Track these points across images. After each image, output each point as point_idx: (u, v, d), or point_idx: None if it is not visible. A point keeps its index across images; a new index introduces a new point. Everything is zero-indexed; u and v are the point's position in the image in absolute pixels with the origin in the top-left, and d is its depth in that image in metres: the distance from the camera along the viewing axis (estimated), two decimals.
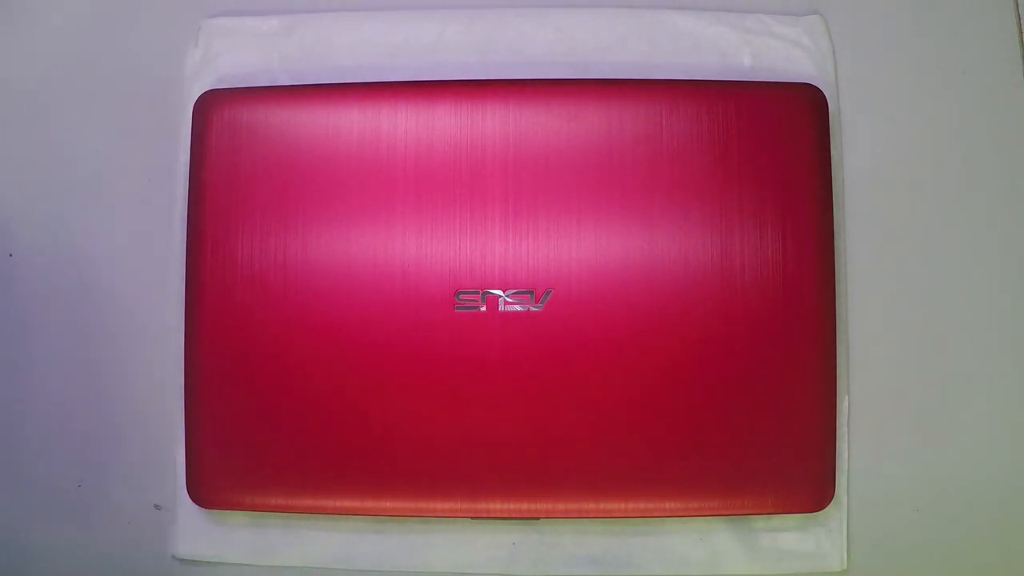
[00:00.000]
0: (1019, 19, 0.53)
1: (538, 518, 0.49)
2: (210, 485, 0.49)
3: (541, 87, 0.50)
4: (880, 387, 0.51)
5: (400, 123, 0.49)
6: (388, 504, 0.48)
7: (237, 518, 0.51)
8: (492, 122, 0.49)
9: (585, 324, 0.48)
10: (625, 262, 0.48)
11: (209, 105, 0.50)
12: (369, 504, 0.48)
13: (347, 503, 0.49)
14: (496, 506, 0.48)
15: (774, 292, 0.48)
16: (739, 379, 0.48)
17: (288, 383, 0.48)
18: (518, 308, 0.48)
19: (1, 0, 0.55)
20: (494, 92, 0.49)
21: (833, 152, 0.51)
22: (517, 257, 0.48)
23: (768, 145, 0.49)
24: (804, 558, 0.50)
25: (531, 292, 0.48)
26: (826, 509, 0.49)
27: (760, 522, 0.51)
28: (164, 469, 0.52)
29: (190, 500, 0.50)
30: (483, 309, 0.48)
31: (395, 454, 0.48)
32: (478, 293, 0.48)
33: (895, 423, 0.51)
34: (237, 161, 0.49)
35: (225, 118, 0.50)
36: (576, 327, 0.48)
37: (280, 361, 0.48)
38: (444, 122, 0.49)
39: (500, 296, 0.48)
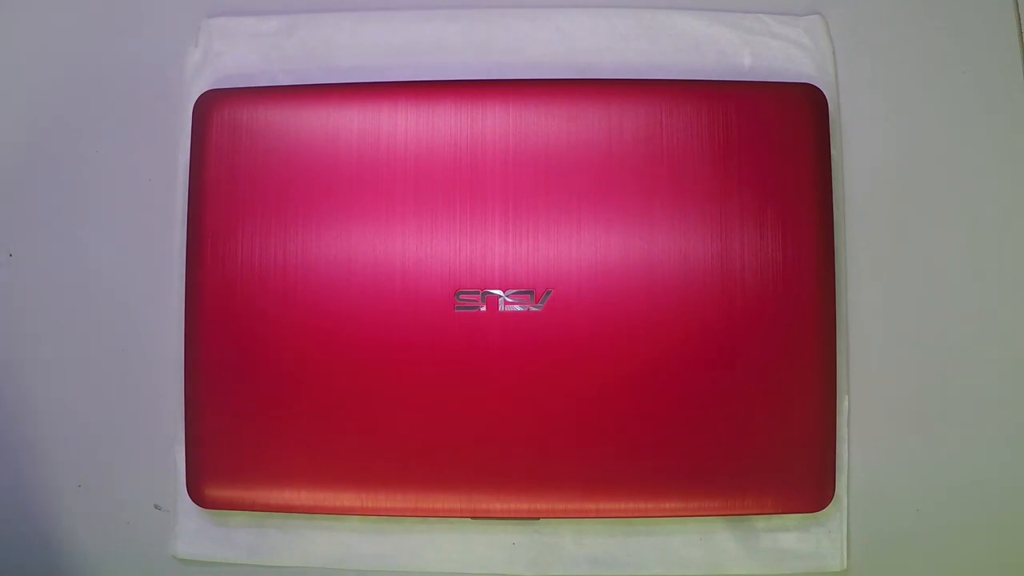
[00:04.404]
0: (1019, 19, 0.53)
1: (538, 518, 0.49)
2: (210, 485, 0.49)
3: (541, 87, 0.50)
4: (880, 387, 0.51)
5: (400, 123, 0.49)
6: (388, 504, 0.48)
7: (237, 518, 0.51)
8: (492, 122, 0.49)
9: (585, 324, 0.48)
10: (625, 262, 0.48)
11: (209, 105, 0.50)
12: (369, 504, 0.48)
13: (347, 503, 0.49)
14: (496, 506, 0.48)
15: (774, 292, 0.48)
16: (739, 379, 0.48)
17: (288, 383, 0.48)
18: (518, 308, 0.48)
19: (1, 1, 0.55)
20: (494, 92, 0.49)
21: (833, 152, 0.51)
22: (517, 257, 0.48)
23: (768, 145, 0.49)
24: (804, 558, 0.50)
25: (531, 292, 0.48)
26: (826, 509, 0.49)
27: (760, 522, 0.51)
28: (164, 469, 0.52)
29: (190, 500, 0.50)
30: (483, 309, 0.48)
31: (395, 454, 0.48)
32: (478, 293, 0.48)
33: (895, 423, 0.51)
34: (237, 161, 0.49)
35: (225, 118, 0.50)
36: (576, 327, 0.48)
37: (280, 361, 0.49)
38: (444, 122, 0.49)
39: (500, 296, 0.48)
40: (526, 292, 0.48)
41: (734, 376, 0.48)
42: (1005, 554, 0.51)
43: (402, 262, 0.49)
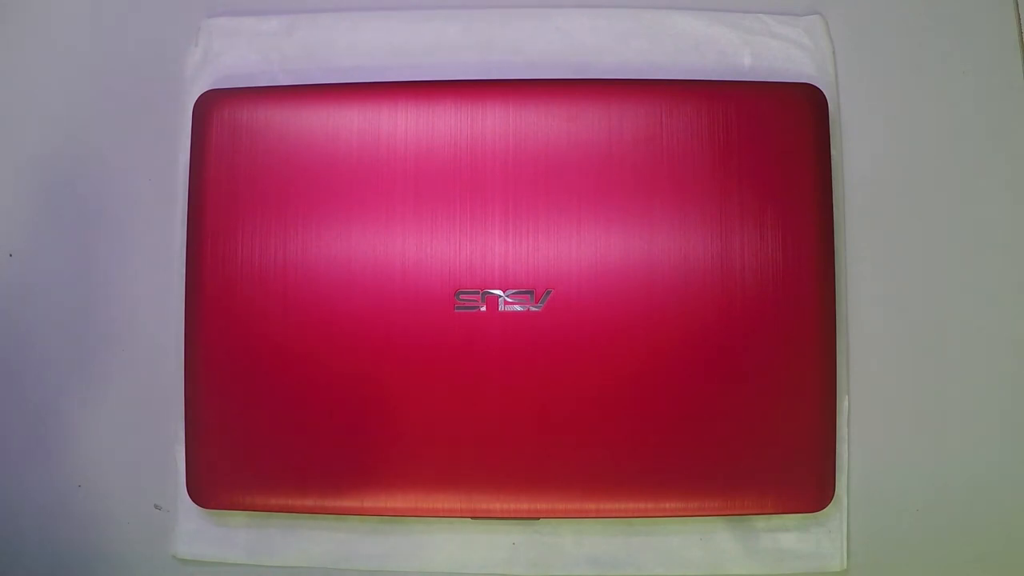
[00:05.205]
0: (1019, 19, 0.53)
1: (538, 518, 0.49)
2: (210, 485, 0.49)
3: (541, 87, 0.50)
4: (880, 387, 0.51)
5: (400, 123, 0.49)
6: (388, 504, 0.48)
7: (237, 518, 0.51)
8: (492, 122, 0.49)
9: (585, 324, 0.48)
10: (625, 262, 0.48)
11: (209, 105, 0.50)
12: (369, 504, 0.48)
13: (347, 503, 0.49)
14: (496, 506, 0.48)
15: (774, 292, 0.48)
16: (739, 379, 0.48)
17: (288, 383, 0.48)
18: (518, 308, 0.48)
19: (1, 1, 0.55)
20: (494, 92, 0.49)
21: (833, 152, 0.51)
22: (517, 257, 0.48)
23: (768, 145, 0.49)
24: (804, 558, 0.50)
25: (531, 292, 0.48)
26: (826, 509, 0.49)
27: (760, 522, 0.51)
28: (164, 469, 0.52)
29: (190, 500, 0.50)
30: (483, 309, 0.48)
31: (395, 454, 0.48)
32: (478, 293, 0.48)
33: (895, 423, 0.51)
34: (237, 161, 0.49)
35: (225, 118, 0.50)
36: (576, 327, 0.48)
37: (280, 361, 0.48)
38: (444, 122, 0.49)
39: (500, 296, 0.48)
40: (526, 292, 0.48)
41: (734, 376, 0.48)
42: (1005, 554, 0.51)
43: (402, 262, 0.49)
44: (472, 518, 0.49)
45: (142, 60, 0.54)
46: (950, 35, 0.53)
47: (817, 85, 0.50)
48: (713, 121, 0.49)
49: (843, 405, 0.51)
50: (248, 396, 0.49)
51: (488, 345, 0.48)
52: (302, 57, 0.53)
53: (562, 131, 0.49)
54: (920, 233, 0.52)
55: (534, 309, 0.48)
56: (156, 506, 0.52)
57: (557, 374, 0.48)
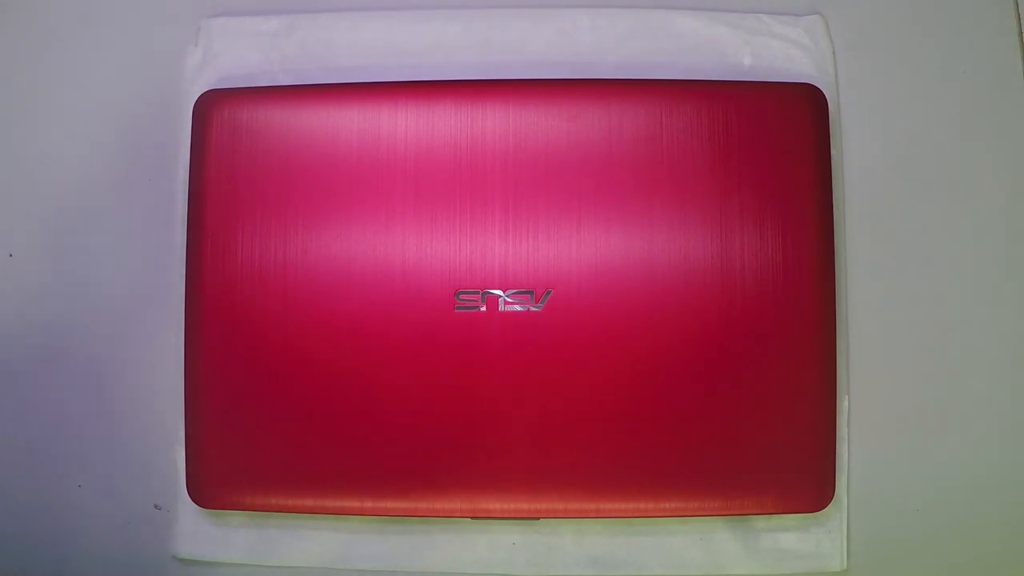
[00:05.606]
0: (1019, 19, 0.53)
1: (538, 518, 0.49)
2: (210, 485, 0.49)
3: (541, 87, 0.50)
4: (880, 387, 0.51)
5: (400, 123, 0.49)
6: (388, 504, 0.48)
7: (237, 518, 0.51)
8: (492, 122, 0.49)
9: (585, 324, 0.48)
10: (625, 262, 0.48)
11: (209, 105, 0.50)
12: (369, 504, 0.48)
13: (347, 503, 0.49)
14: (496, 506, 0.48)
15: (774, 292, 0.48)
16: (739, 379, 0.48)
17: (288, 383, 0.48)
18: (518, 308, 0.48)
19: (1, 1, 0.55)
20: (494, 92, 0.50)
21: (833, 152, 0.51)
22: (517, 257, 0.48)
23: (768, 145, 0.49)
24: (804, 558, 0.50)
25: (531, 292, 0.48)
26: (826, 509, 0.49)
27: (760, 522, 0.51)
28: (164, 469, 0.52)
29: (190, 500, 0.50)
30: (483, 309, 0.48)
31: (395, 454, 0.48)
32: (478, 293, 0.48)
33: (895, 423, 0.51)
34: (237, 161, 0.49)
35: (225, 118, 0.50)
36: (576, 327, 0.48)
37: (280, 361, 0.48)
38: (444, 122, 0.49)
39: (500, 296, 0.48)
40: (526, 292, 0.48)
41: (734, 376, 0.48)
42: (1005, 554, 0.51)
43: (402, 262, 0.49)
44: (472, 518, 0.49)
45: (142, 60, 0.54)
46: (950, 35, 0.53)
47: (817, 85, 0.50)
48: (713, 121, 0.49)
49: (843, 405, 0.51)
50: (248, 396, 0.49)
51: (488, 345, 0.48)
52: (302, 57, 0.53)
53: (562, 131, 0.49)
54: (920, 233, 0.52)
55: (534, 309, 0.48)
56: (156, 506, 0.52)
57: (557, 374, 0.48)
